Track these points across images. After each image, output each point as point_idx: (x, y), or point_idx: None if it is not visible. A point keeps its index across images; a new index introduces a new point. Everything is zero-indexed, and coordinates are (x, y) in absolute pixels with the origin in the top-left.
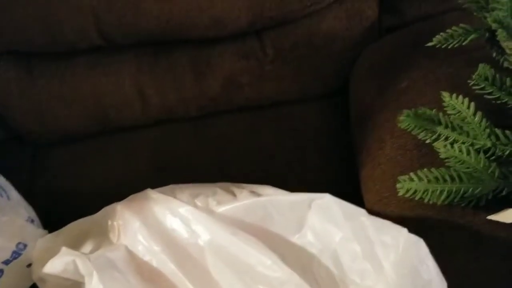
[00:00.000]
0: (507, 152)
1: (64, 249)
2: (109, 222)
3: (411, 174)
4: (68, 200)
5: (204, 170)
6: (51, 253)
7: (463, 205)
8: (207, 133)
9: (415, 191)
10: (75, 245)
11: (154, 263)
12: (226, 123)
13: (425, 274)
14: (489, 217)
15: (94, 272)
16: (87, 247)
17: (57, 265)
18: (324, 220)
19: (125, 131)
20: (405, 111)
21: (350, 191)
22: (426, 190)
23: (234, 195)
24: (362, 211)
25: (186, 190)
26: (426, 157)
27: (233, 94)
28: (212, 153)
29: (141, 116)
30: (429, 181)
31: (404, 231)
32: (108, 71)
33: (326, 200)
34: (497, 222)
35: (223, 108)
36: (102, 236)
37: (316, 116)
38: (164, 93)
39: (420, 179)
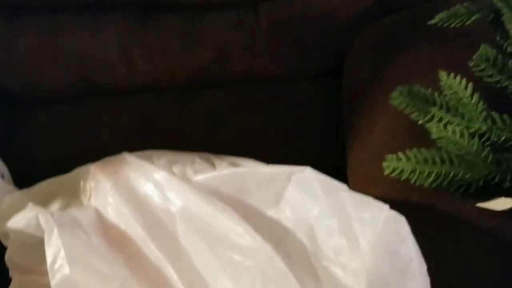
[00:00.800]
0: (503, 137)
1: (30, 205)
2: (81, 183)
3: (399, 153)
4: (43, 162)
5: (185, 142)
6: (18, 210)
7: (451, 190)
8: (192, 106)
9: (402, 171)
10: (44, 203)
11: (122, 226)
12: (213, 97)
13: (404, 254)
14: (479, 205)
15: (55, 228)
16: (56, 206)
17: (20, 220)
18: (302, 194)
19: (108, 95)
20: (399, 88)
21: (334, 174)
22: (413, 171)
23: (213, 165)
24: (343, 187)
25: (163, 157)
26: (417, 140)
27: (223, 66)
28: (196, 126)
29: (125, 81)
30: (417, 161)
31: (385, 207)
32: (94, 29)
33: (306, 174)
34: (486, 211)
35: (212, 80)
36: (73, 197)
37: (306, 97)
38: (151, 59)
39: (408, 158)
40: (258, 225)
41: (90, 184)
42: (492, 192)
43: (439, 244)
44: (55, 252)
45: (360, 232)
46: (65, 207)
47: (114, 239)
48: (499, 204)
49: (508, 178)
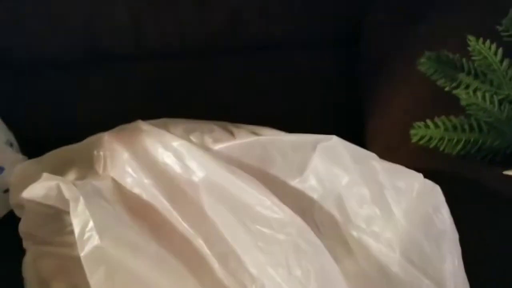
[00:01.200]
0: None
1: (46, 174)
2: (95, 152)
3: (428, 120)
4: (49, 130)
5: (198, 109)
6: (31, 179)
7: (478, 158)
8: (204, 72)
9: (430, 139)
10: (57, 173)
11: (144, 197)
12: (225, 63)
13: (439, 224)
14: (506, 172)
15: (81, 198)
16: (70, 176)
17: (38, 190)
18: (329, 163)
19: (116, 62)
20: (427, 53)
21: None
22: (442, 138)
23: (231, 133)
24: (373, 155)
25: (180, 125)
26: (442, 109)
27: (235, 30)
28: (209, 93)
29: (134, 46)
30: (446, 129)
31: (419, 176)
32: None
33: (333, 142)
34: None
35: (223, 45)
36: (86, 166)
37: (322, 63)
38: (162, 21)
39: (436, 126)
40: (282, 196)
41: (104, 153)
42: None
43: (465, 213)
44: (83, 222)
45: (393, 201)
46: (80, 177)
47: (137, 209)
48: None
49: None
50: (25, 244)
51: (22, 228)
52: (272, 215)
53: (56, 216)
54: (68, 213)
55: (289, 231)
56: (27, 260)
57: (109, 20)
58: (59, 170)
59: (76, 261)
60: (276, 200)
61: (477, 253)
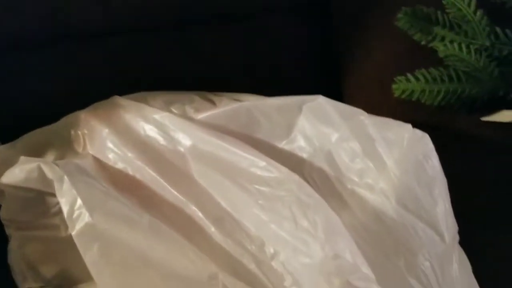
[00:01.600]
0: (506, 52)
1: (23, 158)
2: (72, 132)
3: (408, 74)
4: (19, 112)
5: (174, 82)
6: (7, 165)
7: (458, 107)
8: (177, 45)
9: (412, 92)
10: (35, 156)
11: (130, 171)
12: (196, 34)
13: (430, 170)
14: (484, 118)
15: (65, 176)
16: (49, 157)
17: (17, 173)
18: (317, 122)
19: (83, 39)
20: (403, 9)
21: None
22: (423, 91)
23: (213, 102)
24: (360, 111)
25: (159, 97)
26: (419, 62)
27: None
28: (183, 66)
29: (101, 22)
30: (426, 81)
31: (408, 126)
32: None
33: (319, 102)
34: (491, 124)
35: (193, 16)
36: (65, 147)
37: (296, 28)
38: None
39: (417, 79)
40: (272, 159)
41: (82, 132)
42: (495, 106)
43: (448, 159)
44: (71, 201)
45: (384, 152)
46: (59, 157)
47: (123, 184)
48: (504, 116)
49: None
50: (8, 231)
51: (3, 215)
52: (269, 174)
53: (38, 199)
54: (50, 194)
55: (289, 187)
56: (12, 247)
57: None
58: (36, 153)
59: (64, 243)
60: (270, 160)
61: (461, 194)
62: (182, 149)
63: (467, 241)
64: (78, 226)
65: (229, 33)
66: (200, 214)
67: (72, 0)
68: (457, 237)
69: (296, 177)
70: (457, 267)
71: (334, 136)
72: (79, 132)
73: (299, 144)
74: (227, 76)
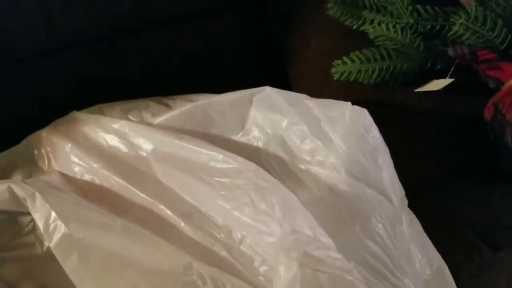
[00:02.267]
0: (429, 26)
1: None
2: (35, 151)
3: (344, 57)
4: None
5: (125, 93)
6: None
7: (391, 83)
8: (122, 55)
9: (349, 73)
10: (2, 178)
11: (97, 181)
12: (141, 42)
13: (372, 141)
14: (417, 90)
15: (36, 193)
16: (16, 178)
17: None
18: (267, 111)
19: (31, 60)
20: None
21: None
22: (359, 71)
23: (168, 106)
24: (304, 96)
25: (115, 107)
26: (353, 45)
27: (146, 7)
28: (131, 75)
29: (48, 41)
30: (361, 61)
31: (348, 104)
32: None
33: (266, 92)
34: (423, 94)
35: (136, 25)
36: (30, 166)
37: (235, 25)
38: (72, 13)
39: (352, 61)
40: (230, 151)
41: (46, 150)
42: (427, 78)
43: (389, 130)
44: (45, 215)
45: (330, 130)
46: (26, 177)
47: (92, 194)
48: (435, 85)
49: (439, 61)
50: None
51: None
52: (227, 166)
53: (10, 220)
54: (22, 214)
55: (246, 175)
56: None
57: (18, 17)
58: (1, 176)
59: (41, 260)
60: (227, 152)
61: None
62: (144, 154)
63: (412, 204)
64: (55, 238)
65: (173, 38)
66: (168, 212)
67: (16, 22)
68: (405, 200)
69: (252, 165)
70: (408, 226)
71: (284, 122)
72: (43, 150)
73: (254, 134)
74: (177, 77)
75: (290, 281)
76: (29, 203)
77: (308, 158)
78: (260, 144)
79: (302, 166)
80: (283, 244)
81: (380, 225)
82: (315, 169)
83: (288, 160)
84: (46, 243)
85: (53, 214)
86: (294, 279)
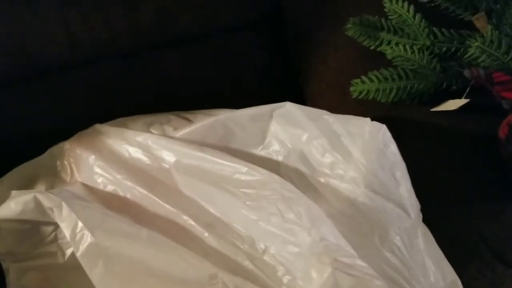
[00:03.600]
0: (444, 48)
1: (15, 192)
2: (58, 162)
3: (363, 76)
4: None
5: (145, 107)
6: None
7: (408, 102)
8: (142, 70)
9: (368, 92)
10: (25, 189)
11: (120, 192)
12: (161, 57)
13: (390, 156)
14: (433, 109)
15: (63, 203)
16: (39, 189)
17: (13, 207)
18: (287, 126)
19: (53, 73)
20: (351, 19)
21: None
22: (377, 90)
23: (188, 120)
24: (324, 111)
25: (138, 121)
26: (370, 65)
27: (166, 24)
28: (151, 90)
29: (68, 54)
30: (379, 81)
31: (367, 119)
32: (31, 5)
33: (287, 108)
34: (439, 113)
35: (157, 41)
36: (53, 177)
37: (252, 43)
38: (92, 26)
39: (371, 80)
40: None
41: (69, 161)
42: (442, 97)
43: (406, 147)
44: (72, 225)
45: (350, 144)
46: (49, 188)
47: (116, 205)
48: (450, 105)
49: (454, 82)
50: (5, 265)
51: (1, 249)
52: (252, 178)
53: (33, 230)
54: (45, 223)
55: (271, 186)
56: (11, 280)
57: (40, 30)
58: (24, 187)
59: (62, 269)
60: (251, 165)
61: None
62: (167, 166)
63: (426, 218)
64: (82, 247)
65: (192, 54)
66: (192, 222)
67: (39, 35)
68: (420, 214)
69: (276, 177)
70: (423, 239)
71: (304, 136)
72: (66, 162)
73: (274, 148)
74: (196, 94)
75: (323, 284)
76: (56, 213)
77: (328, 172)
78: (280, 158)
79: (322, 179)
80: (314, 250)
81: (398, 238)
82: (335, 182)
83: (307, 173)
84: (67, 253)
85: (80, 223)
86: (327, 282)
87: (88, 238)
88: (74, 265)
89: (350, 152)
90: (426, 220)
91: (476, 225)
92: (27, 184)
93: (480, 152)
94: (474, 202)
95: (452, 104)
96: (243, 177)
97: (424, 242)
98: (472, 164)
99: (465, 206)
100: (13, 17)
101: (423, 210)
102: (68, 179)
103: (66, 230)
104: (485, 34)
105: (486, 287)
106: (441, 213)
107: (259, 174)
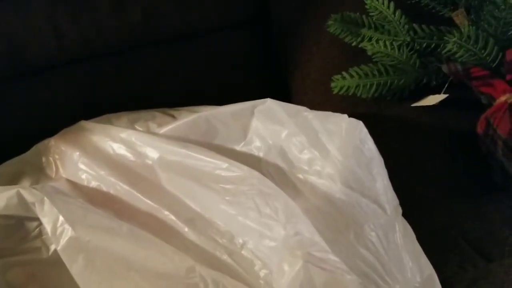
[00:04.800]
0: (424, 44)
1: (0, 187)
2: (43, 159)
3: (343, 72)
4: None
5: (133, 104)
6: None
7: (389, 98)
8: (130, 68)
9: (348, 88)
10: (10, 185)
11: (103, 187)
12: (148, 56)
13: (367, 152)
14: (413, 105)
15: (45, 197)
16: (24, 185)
17: None
18: (268, 122)
19: (40, 71)
20: (333, 16)
21: None
22: (357, 86)
23: (173, 116)
24: (303, 108)
25: (123, 117)
26: (352, 61)
27: (154, 24)
28: (139, 87)
29: (56, 53)
30: (359, 77)
31: (345, 116)
32: (18, 3)
33: (268, 104)
34: (419, 108)
35: (145, 40)
36: (38, 173)
37: (239, 42)
38: (80, 25)
39: (351, 76)
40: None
41: (54, 157)
42: (423, 93)
43: (386, 142)
44: (53, 219)
45: (327, 141)
46: (34, 184)
47: (99, 200)
48: (430, 100)
49: (434, 77)
50: None
51: None
52: (232, 174)
53: (17, 225)
54: (29, 219)
55: (250, 182)
56: None
57: (29, 29)
58: (10, 183)
59: (46, 264)
60: (231, 161)
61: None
62: (150, 162)
63: (405, 214)
64: (63, 241)
65: (179, 53)
66: (173, 217)
67: (27, 34)
68: (399, 209)
69: (256, 173)
70: (400, 235)
71: (284, 133)
72: (51, 158)
73: (255, 144)
74: (183, 92)
75: (294, 276)
76: (37, 208)
77: (306, 168)
78: (261, 154)
79: (300, 176)
80: (287, 244)
81: (373, 233)
82: (312, 178)
83: (287, 170)
84: (51, 248)
85: (61, 218)
86: (298, 275)
87: (68, 232)
88: (58, 260)
89: (328, 148)
90: (406, 217)
91: (456, 221)
92: (13, 181)
93: (460, 147)
94: (454, 197)
95: (432, 99)
96: (223, 173)
97: (401, 237)
98: (452, 159)
99: (445, 201)
100: (0, 15)
101: (402, 206)
102: (53, 175)
103: (47, 225)
104: (462, 30)
105: (468, 282)
106: (421, 209)
107: (239, 170)
